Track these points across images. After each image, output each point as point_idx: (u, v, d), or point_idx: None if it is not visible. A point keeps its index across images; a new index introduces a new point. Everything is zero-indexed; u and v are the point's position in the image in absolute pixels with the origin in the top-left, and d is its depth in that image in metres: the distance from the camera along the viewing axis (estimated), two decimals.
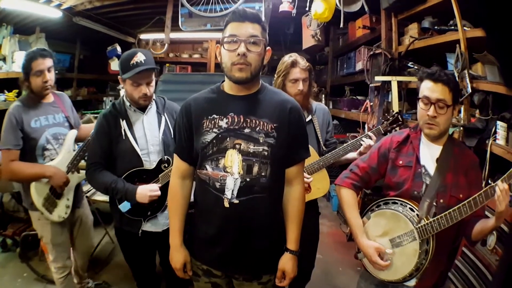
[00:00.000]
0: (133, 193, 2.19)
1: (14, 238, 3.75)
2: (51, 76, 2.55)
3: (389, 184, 2.02)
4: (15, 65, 4.41)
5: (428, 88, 1.86)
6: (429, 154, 1.93)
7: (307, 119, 2.60)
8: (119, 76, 2.28)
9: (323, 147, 2.62)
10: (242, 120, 1.68)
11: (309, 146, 2.48)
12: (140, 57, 2.18)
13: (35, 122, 2.52)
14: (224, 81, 1.79)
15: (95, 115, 4.22)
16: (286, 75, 2.49)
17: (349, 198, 2.07)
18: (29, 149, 2.50)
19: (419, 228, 1.79)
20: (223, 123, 1.69)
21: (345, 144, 2.53)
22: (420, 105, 1.90)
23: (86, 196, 3.15)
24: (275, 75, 2.57)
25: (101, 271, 3.62)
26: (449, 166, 1.86)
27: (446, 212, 1.71)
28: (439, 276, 1.97)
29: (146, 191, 2.20)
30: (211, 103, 1.76)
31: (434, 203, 1.83)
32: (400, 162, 1.97)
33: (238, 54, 1.60)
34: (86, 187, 3.20)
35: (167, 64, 7.63)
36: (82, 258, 3.00)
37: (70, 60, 6.53)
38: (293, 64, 2.48)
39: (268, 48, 1.73)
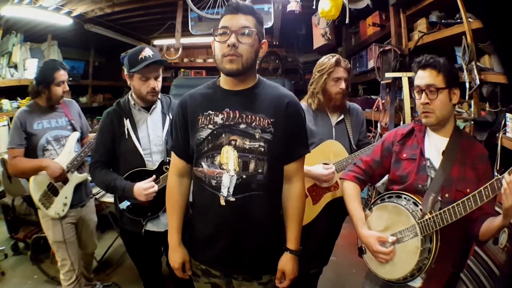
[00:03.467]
0: (130, 190, 2.19)
1: (26, 241, 3.82)
2: (68, 87, 2.74)
3: (393, 178, 1.96)
4: (27, 73, 4.51)
5: (418, 77, 1.83)
6: (434, 146, 1.86)
7: (339, 119, 2.61)
8: (126, 73, 2.27)
9: (354, 147, 2.60)
10: (237, 116, 1.65)
11: (339, 143, 2.50)
12: (147, 52, 2.18)
13: (38, 124, 2.67)
14: (220, 76, 1.77)
15: None
16: (330, 73, 2.50)
17: (351, 191, 2.02)
18: (31, 149, 2.65)
19: (421, 223, 1.71)
20: (218, 119, 1.66)
21: (371, 145, 2.52)
22: (415, 96, 1.86)
23: (95, 198, 3.19)
24: (317, 73, 2.57)
25: (112, 273, 3.65)
26: (456, 159, 1.78)
27: (450, 207, 1.62)
28: (449, 278, 1.89)
29: (141, 189, 2.18)
30: (206, 99, 1.73)
31: (439, 198, 1.74)
32: (404, 155, 1.91)
33: (228, 45, 1.57)
34: (96, 189, 3.23)
35: (182, 69, 7.70)
36: (84, 259, 3.06)
37: (84, 67, 6.67)
38: (337, 63, 2.51)
39: (263, 41, 1.70)
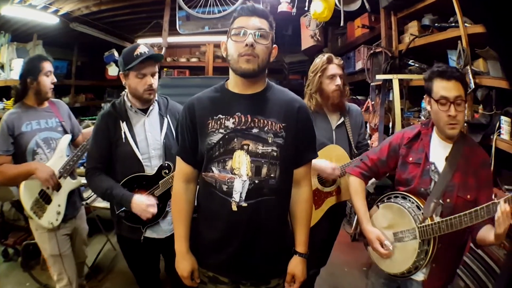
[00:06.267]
0: (128, 201, 2.11)
1: (16, 248, 3.72)
2: (55, 79, 2.64)
3: (399, 180, 2.04)
4: (13, 73, 4.41)
5: (443, 88, 1.84)
6: (439, 151, 1.93)
7: (340, 122, 2.60)
8: (121, 73, 2.20)
9: (354, 149, 2.60)
10: (249, 120, 1.64)
11: (341, 148, 2.51)
12: (142, 48, 2.12)
13: (26, 126, 2.52)
14: (228, 79, 1.75)
15: (93, 122, 4.20)
16: (323, 71, 2.50)
17: (356, 186, 2.13)
18: (20, 153, 2.51)
19: (421, 228, 1.81)
20: (229, 123, 1.64)
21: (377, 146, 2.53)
22: (438, 107, 1.86)
23: (86, 203, 3.11)
24: (311, 74, 2.56)
25: (103, 279, 3.58)
26: (458, 166, 1.85)
27: (448, 218, 1.72)
28: (450, 273, 2.01)
29: (143, 207, 2.11)
30: (215, 103, 1.71)
31: (441, 202, 1.83)
32: (410, 158, 1.98)
33: (246, 45, 1.56)
34: (87, 194, 3.16)
35: (165, 69, 7.57)
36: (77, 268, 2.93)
37: (67, 66, 6.51)
38: (329, 60, 2.51)
39: (274, 45, 1.69)
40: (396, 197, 1.98)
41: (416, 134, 2.01)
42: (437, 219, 1.82)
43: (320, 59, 2.53)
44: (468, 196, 1.82)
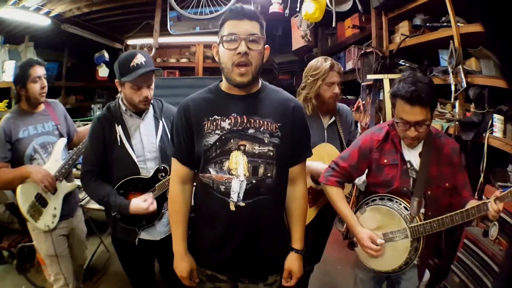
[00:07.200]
0: (125, 208, 2.12)
1: (10, 250, 3.69)
2: (46, 83, 2.58)
3: (375, 182, 2.07)
4: (6, 75, 4.38)
5: (405, 112, 1.82)
6: (412, 148, 1.98)
7: (331, 121, 2.62)
8: (116, 80, 2.17)
9: (346, 147, 2.60)
10: (245, 121, 1.64)
11: (332, 146, 2.53)
12: (140, 58, 2.08)
13: (23, 131, 2.50)
14: (221, 80, 1.74)
15: (84, 123, 4.18)
16: (324, 79, 2.49)
17: (337, 195, 2.13)
18: (18, 159, 2.49)
19: (412, 228, 1.88)
20: (225, 124, 1.64)
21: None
22: (398, 123, 1.89)
23: (81, 205, 3.09)
24: (310, 78, 2.55)
25: (98, 280, 3.56)
26: (432, 159, 1.92)
27: (439, 218, 1.80)
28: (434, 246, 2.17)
29: (140, 206, 2.12)
30: (210, 104, 1.70)
31: (423, 195, 1.91)
32: (385, 161, 2.02)
33: (239, 53, 1.55)
34: (81, 195, 3.13)
35: None
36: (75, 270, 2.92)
37: (58, 68, 6.42)
38: (331, 67, 2.50)
39: (266, 46, 1.68)
40: (382, 199, 2.02)
41: (385, 135, 2.03)
42: (422, 210, 1.91)
43: (321, 64, 2.51)
44: (447, 184, 1.92)
